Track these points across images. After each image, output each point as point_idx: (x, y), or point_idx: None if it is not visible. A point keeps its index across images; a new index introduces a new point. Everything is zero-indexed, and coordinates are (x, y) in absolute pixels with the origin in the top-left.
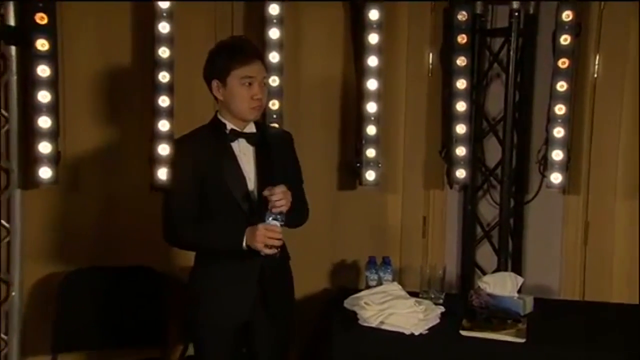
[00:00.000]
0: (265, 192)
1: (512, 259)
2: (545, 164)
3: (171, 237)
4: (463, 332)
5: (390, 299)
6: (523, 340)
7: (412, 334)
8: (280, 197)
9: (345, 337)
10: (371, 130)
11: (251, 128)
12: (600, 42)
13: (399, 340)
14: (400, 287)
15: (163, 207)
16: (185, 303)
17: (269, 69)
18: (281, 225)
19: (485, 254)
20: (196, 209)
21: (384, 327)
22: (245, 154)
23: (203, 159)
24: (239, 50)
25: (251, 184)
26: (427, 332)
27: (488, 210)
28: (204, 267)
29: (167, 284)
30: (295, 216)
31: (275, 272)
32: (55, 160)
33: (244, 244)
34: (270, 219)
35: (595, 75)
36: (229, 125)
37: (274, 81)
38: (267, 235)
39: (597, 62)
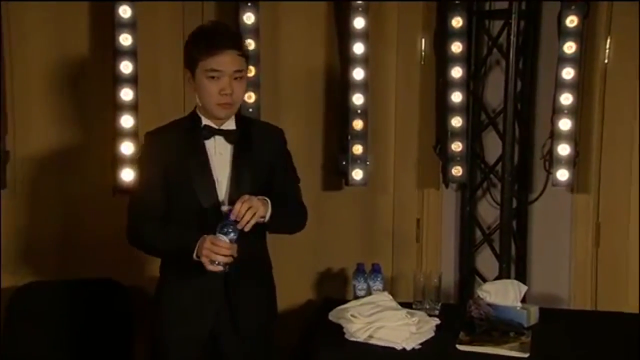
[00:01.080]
0: (224, 208)
1: (515, 265)
2: (551, 160)
3: (129, 235)
4: (460, 347)
5: (380, 310)
6: (526, 355)
7: (404, 349)
8: (244, 211)
9: (330, 353)
10: (358, 124)
11: (230, 124)
12: (611, 24)
13: (389, 356)
14: (390, 297)
15: (127, 206)
16: (151, 317)
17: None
18: (232, 240)
19: (485, 260)
20: (160, 209)
21: (372, 341)
22: (221, 153)
23: (171, 158)
24: (205, 40)
25: (222, 191)
26: (420, 346)
27: (488, 212)
28: (168, 278)
29: (133, 298)
30: (291, 220)
31: (247, 282)
32: (2, 161)
33: (195, 254)
34: (219, 232)
35: (606, 61)
36: (204, 121)
37: (250, 71)
38: (212, 249)
39: (607, 47)
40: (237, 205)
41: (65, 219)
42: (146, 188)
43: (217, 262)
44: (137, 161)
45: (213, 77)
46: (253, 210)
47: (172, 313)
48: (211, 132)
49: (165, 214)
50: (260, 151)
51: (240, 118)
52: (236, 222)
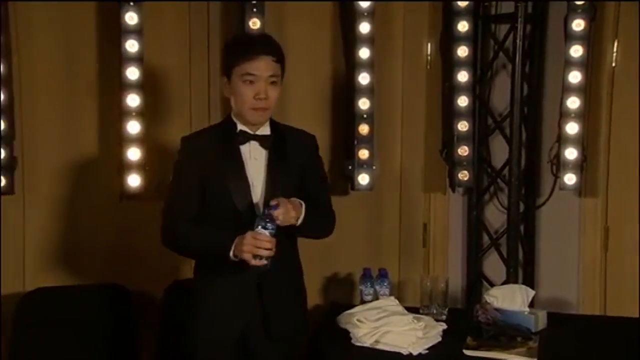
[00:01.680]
0: (273, 202)
1: (523, 269)
2: (558, 164)
3: (164, 235)
4: (467, 352)
5: (386, 315)
6: None
7: (410, 354)
8: (284, 212)
9: (337, 358)
10: (364, 129)
11: (265, 130)
12: (619, 27)
13: None
14: (397, 302)
15: (165, 204)
16: (185, 317)
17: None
18: (272, 234)
19: (493, 264)
20: (194, 211)
21: (379, 346)
22: (256, 158)
23: (207, 161)
24: (242, 45)
25: (256, 194)
26: (427, 351)
27: (495, 216)
28: (203, 280)
29: (139, 303)
30: (321, 225)
31: (279, 286)
32: (10, 167)
33: (232, 253)
34: (260, 227)
35: (614, 65)
36: (240, 126)
37: None
38: (255, 244)
39: (615, 50)
40: (278, 202)
41: (72, 224)
42: (181, 190)
43: (260, 257)
44: (174, 164)
45: (248, 82)
46: (292, 209)
47: (205, 314)
48: (247, 138)
49: (199, 217)
50: (294, 156)
51: (274, 124)
52: (275, 218)
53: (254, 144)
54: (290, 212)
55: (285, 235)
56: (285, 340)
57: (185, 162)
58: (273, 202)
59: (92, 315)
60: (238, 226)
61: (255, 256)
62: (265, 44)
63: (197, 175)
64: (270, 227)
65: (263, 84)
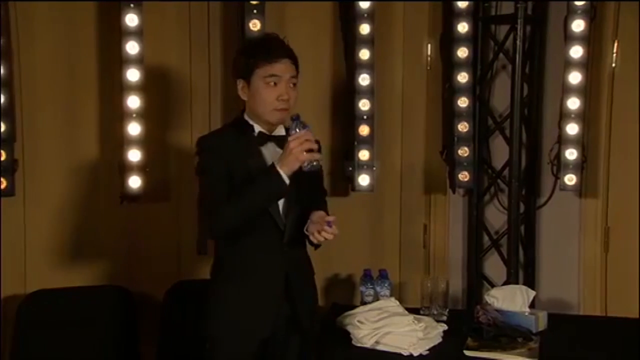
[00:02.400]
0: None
1: (523, 270)
2: (559, 165)
3: (215, 222)
4: (468, 353)
5: (387, 316)
6: None
7: (411, 355)
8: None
9: (337, 359)
10: (364, 130)
11: (280, 131)
12: (619, 28)
13: None
14: (397, 303)
15: (200, 203)
16: (203, 316)
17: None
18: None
19: (493, 265)
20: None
21: (379, 347)
22: (274, 158)
23: (230, 160)
24: (263, 48)
25: None
26: (427, 352)
27: (496, 217)
28: (226, 280)
29: (140, 305)
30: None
31: (302, 284)
32: (11, 169)
33: (284, 176)
34: (296, 130)
35: (614, 65)
36: (257, 128)
37: None
38: (299, 142)
39: (615, 50)
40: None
41: (73, 226)
42: (216, 187)
43: (308, 163)
44: (198, 166)
45: (272, 84)
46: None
47: (234, 312)
48: (265, 139)
49: None
50: None
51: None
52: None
53: (271, 145)
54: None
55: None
56: (307, 334)
57: (210, 160)
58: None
59: (93, 317)
60: (263, 224)
61: (305, 163)
62: (285, 47)
63: (224, 166)
64: (303, 130)
65: (284, 85)
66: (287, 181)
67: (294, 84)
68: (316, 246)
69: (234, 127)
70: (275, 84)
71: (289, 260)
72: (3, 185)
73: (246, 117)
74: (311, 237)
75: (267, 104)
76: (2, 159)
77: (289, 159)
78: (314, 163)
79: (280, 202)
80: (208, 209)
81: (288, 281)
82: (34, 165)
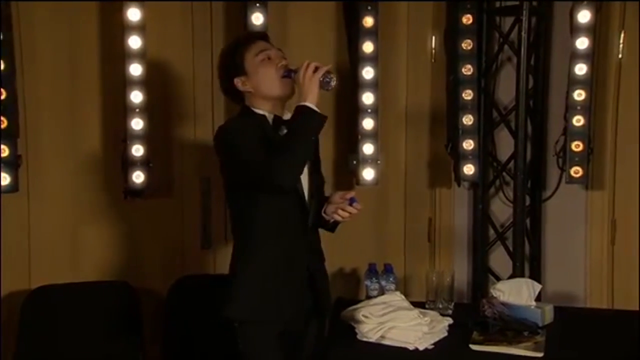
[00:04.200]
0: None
1: (529, 263)
2: (564, 157)
3: (281, 174)
4: (473, 347)
5: (392, 310)
6: (541, 355)
7: (417, 349)
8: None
9: (342, 354)
10: (368, 123)
11: (288, 116)
12: (625, 19)
13: (402, 356)
14: (402, 297)
15: (249, 166)
16: (229, 300)
17: None
18: None
19: (499, 259)
20: None
21: (384, 342)
22: None
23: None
24: (239, 40)
25: (304, 174)
26: (432, 346)
27: (501, 210)
28: (254, 263)
29: (144, 300)
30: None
31: (320, 269)
32: (14, 164)
33: (313, 106)
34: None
35: (620, 56)
36: (269, 115)
37: None
38: (305, 69)
39: (621, 42)
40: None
41: (76, 221)
42: (254, 145)
43: (324, 79)
44: (230, 143)
45: (267, 58)
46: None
47: (262, 295)
48: (280, 122)
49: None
50: None
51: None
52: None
53: (284, 129)
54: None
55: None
56: (325, 316)
57: (241, 132)
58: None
59: (97, 312)
60: (290, 207)
61: (323, 83)
62: (256, 33)
63: (256, 136)
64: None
65: (277, 55)
66: (319, 110)
67: (284, 58)
68: (333, 228)
69: (247, 116)
70: (269, 58)
71: (310, 244)
72: (7, 181)
73: (253, 107)
74: (335, 216)
75: (271, 76)
76: (5, 154)
77: (308, 88)
78: (330, 76)
79: (305, 185)
80: (263, 164)
81: (309, 265)
82: (38, 161)
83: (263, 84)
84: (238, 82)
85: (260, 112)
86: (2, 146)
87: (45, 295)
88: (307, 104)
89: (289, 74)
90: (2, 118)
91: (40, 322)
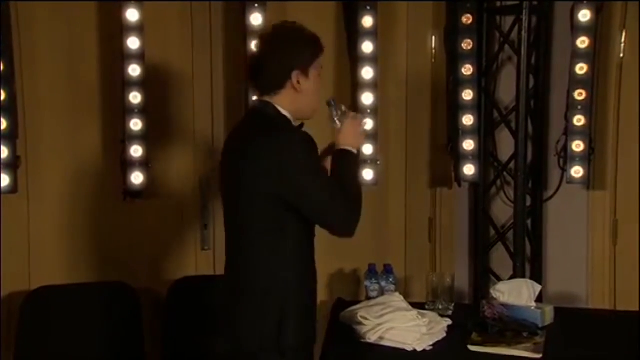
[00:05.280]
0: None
1: (530, 264)
2: (565, 157)
3: (355, 214)
4: (472, 347)
5: (390, 311)
6: (539, 356)
7: (415, 350)
8: None
9: (340, 355)
10: (367, 124)
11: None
12: (627, 18)
13: (400, 357)
14: (402, 297)
15: (319, 207)
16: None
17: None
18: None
19: (500, 259)
20: None
21: (383, 343)
22: None
23: None
24: (315, 37)
25: None
26: (431, 347)
27: (502, 210)
28: (292, 284)
29: (144, 301)
30: None
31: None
32: (13, 165)
33: (354, 151)
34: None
35: (622, 55)
36: (295, 123)
37: None
38: (356, 125)
39: (622, 41)
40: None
41: (76, 222)
42: (325, 181)
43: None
44: (310, 161)
45: (320, 75)
46: None
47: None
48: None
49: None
50: None
51: None
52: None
53: None
54: None
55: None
56: None
57: (314, 154)
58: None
59: (96, 313)
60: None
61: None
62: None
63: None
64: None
65: None
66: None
67: None
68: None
69: (285, 122)
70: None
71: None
72: (6, 182)
73: (287, 115)
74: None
75: (317, 94)
76: (5, 155)
77: (353, 141)
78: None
79: None
80: (339, 216)
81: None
82: (38, 162)
83: (308, 96)
84: (296, 75)
85: (287, 115)
86: (2, 147)
87: (45, 296)
88: (350, 148)
89: (331, 102)
90: (2, 119)
91: (39, 322)
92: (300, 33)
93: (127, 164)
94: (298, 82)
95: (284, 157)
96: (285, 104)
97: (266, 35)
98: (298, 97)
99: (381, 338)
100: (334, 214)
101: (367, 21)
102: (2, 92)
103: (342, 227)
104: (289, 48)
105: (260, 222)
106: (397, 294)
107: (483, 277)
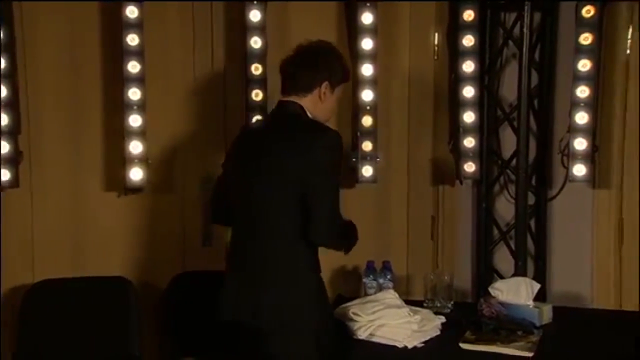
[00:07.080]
0: None
1: (534, 263)
2: (568, 155)
3: (334, 244)
4: (463, 345)
5: (382, 308)
6: (530, 355)
7: (405, 347)
8: None
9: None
10: (367, 121)
11: None
12: (633, 13)
13: (391, 354)
14: (396, 295)
15: (327, 215)
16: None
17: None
18: None
19: (503, 258)
20: None
21: (374, 339)
22: None
23: None
24: (349, 67)
25: None
26: (422, 345)
27: (506, 208)
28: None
29: (143, 296)
30: None
31: None
32: (15, 160)
33: None
34: None
35: (628, 52)
36: None
37: (257, 69)
38: None
39: (629, 37)
40: None
41: (76, 217)
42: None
43: None
44: (337, 166)
45: (338, 100)
46: None
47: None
48: None
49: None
50: None
51: None
52: None
53: None
54: None
55: None
56: None
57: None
58: None
59: (97, 307)
60: None
61: None
62: None
63: None
64: None
65: None
66: None
67: None
68: None
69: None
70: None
71: None
72: (7, 177)
73: (309, 113)
74: None
75: (332, 113)
76: (6, 150)
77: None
78: None
79: None
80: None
81: None
82: (40, 157)
83: (326, 107)
84: (325, 86)
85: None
86: (3, 143)
87: (46, 289)
88: None
89: None
90: (3, 115)
91: (40, 315)
92: (340, 56)
93: (127, 160)
94: (324, 93)
95: (332, 155)
96: (308, 106)
97: (314, 45)
98: (318, 104)
99: (372, 335)
100: (331, 223)
101: (367, 18)
102: (4, 88)
103: (324, 237)
104: (329, 62)
105: (288, 210)
106: (391, 291)
107: (486, 275)
